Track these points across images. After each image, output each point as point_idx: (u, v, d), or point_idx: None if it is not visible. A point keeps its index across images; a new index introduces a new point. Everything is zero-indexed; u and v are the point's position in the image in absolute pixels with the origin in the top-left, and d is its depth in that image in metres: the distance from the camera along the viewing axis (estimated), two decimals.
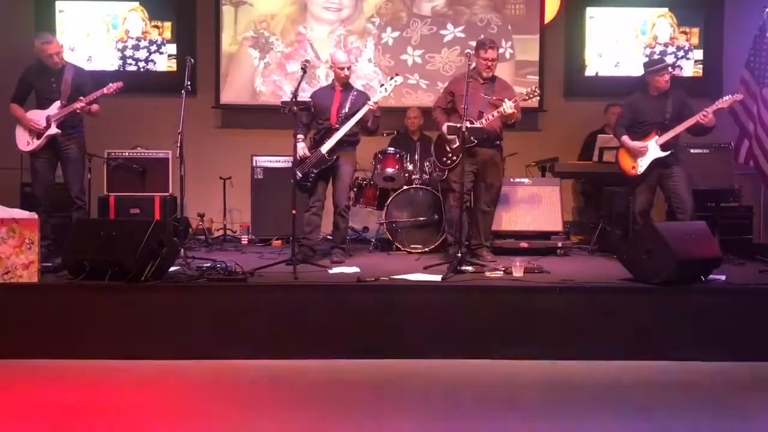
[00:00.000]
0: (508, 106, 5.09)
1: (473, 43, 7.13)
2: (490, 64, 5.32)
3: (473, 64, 5.24)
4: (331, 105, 5.44)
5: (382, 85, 5.45)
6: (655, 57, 7.15)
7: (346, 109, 5.38)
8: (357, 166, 5.76)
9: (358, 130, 5.48)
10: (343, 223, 5.50)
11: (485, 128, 5.21)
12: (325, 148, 5.30)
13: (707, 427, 3.28)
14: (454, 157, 5.31)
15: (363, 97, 5.48)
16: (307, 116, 5.46)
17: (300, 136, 5.38)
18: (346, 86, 5.54)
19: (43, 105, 5.38)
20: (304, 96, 5.59)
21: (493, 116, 5.17)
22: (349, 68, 5.53)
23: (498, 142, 5.45)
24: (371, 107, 5.26)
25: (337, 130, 5.32)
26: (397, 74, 5.57)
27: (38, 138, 5.34)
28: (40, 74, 5.45)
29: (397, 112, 6.98)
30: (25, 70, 5.56)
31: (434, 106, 5.61)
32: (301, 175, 5.28)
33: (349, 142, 5.47)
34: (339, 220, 5.48)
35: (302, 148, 5.37)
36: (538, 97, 5.66)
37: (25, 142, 5.39)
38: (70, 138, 5.42)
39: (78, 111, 5.32)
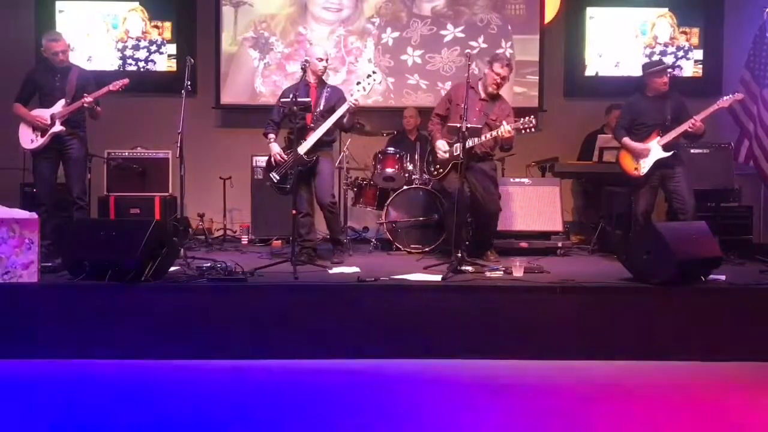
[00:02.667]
0: (505, 130, 5.01)
1: (473, 44, 7.28)
2: (499, 81, 5.24)
3: (473, 65, 5.20)
4: None
5: (359, 83, 5.28)
6: (655, 58, 7.16)
7: (321, 107, 5.25)
8: (346, 164, 5.67)
9: (333, 128, 5.31)
10: (333, 218, 5.41)
11: (477, 147, 5.16)
12: (302, 149, 5.10)
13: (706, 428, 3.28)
14: (441, 170, 5.34)
15: (337, 94, 5.35)
16: (278, 114, 5.24)
17: (272, 136, 5.27)
18: (320, 82, 5.39)
19: (47, 104, 5.37)
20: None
21: (486, 137, 5.13)
22: (327, 61, 5.38)
23: (489, 156, 5.43)
24: (352, 105, 5.09)
25: (312, 129, 5.17)
26: (374, 71, 5.42)
27: (42, 135, 5.33)
28: (45, 73, 5.45)
29: (398, 113, 6.98)
30: (29, 71, 5.59)
31: (433, 113, 5.57)
32: (279, 178, 5.14)
33: (326, 142, 5.32)
34: (329, 216, 5.38)
35: (277, 151, 5.22)
36: (532, 130, 5.08)
37: (29, 140, 5.38)
38: (73, 137, 5.41)
39: (86, 106, 5.29)
